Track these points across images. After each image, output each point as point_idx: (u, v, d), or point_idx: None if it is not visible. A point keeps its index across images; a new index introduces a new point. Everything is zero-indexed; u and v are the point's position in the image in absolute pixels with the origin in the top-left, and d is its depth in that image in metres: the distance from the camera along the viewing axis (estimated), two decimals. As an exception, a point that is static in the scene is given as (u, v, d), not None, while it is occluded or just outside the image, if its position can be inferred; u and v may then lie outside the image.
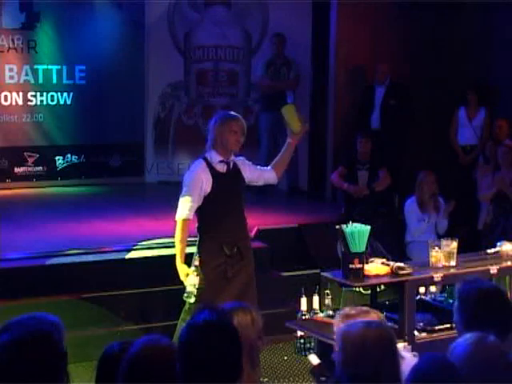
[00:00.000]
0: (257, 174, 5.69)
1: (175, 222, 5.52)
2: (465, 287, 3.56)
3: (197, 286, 5.29)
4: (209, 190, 5.44)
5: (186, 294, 5.30)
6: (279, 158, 5.81)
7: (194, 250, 5.56)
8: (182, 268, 5.39)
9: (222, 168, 5.51)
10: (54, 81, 10.37)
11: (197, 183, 5.44)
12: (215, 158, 5.49)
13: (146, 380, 2.76)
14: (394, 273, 5.11)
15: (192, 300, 5.28)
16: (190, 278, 5.31)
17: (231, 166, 5.56)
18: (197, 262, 5.40)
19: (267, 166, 10.23)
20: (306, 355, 6.25)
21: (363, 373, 2.82)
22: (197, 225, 5.57)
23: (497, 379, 2.90)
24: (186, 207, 5.45)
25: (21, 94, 10.20)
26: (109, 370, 2.91)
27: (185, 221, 5.46)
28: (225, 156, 5.50)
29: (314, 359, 4.26)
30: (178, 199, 5.56)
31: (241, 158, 5.68)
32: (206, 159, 5.51)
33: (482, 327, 3.14)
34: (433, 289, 5.74)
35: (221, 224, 5.46)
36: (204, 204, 5.48)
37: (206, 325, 2.77)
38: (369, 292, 5.75)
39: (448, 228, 7.84)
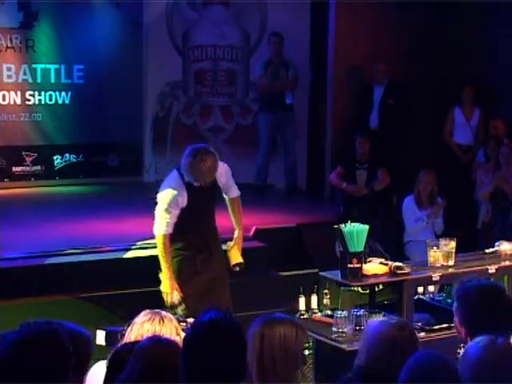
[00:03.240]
0: (226, 187, 5.86)
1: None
2: (463, 286, 3.54)
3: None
4: (185, 203, 5.59)
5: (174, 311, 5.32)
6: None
7: None
8: (169, 283, 5.47)
9: (196, 183, 5.62)
10: (52, 80, 10.35)
11: (174, 202, 5.57)
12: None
13: (152, 376, 2.77)
14: (392, 272, 5.11)
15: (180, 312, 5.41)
16: (175, 298, 5.44)
17: None
18: None
19: (266, 166, 10.32)
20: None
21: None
22: None
23: (509, 381, 2.88)
24: (163, 223, 5.59)
25: (19, 93, 10.18)
26: (118, 369, 2.92)
27: (165, 236, 5.54)
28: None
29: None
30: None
31: (221, 169, 5.74)
32: (180, 172, 5.61)
33: (482, 326, 3.12)
34: (431, 288, 5.74)
35: (192, 227, 5.63)
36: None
37: (212, 323, 2.78)
38: (367, 291, 5.75)
39: (446, 228, 7.84)
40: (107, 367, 3.04)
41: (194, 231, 5.65)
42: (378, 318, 5.00)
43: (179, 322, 3.58)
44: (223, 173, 5.80)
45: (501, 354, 2.93)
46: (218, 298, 5.55)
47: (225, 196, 5.94)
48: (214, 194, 5.81)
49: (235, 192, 5.96)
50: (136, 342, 3.02)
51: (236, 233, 5.92)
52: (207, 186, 5.64)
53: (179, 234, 5.63)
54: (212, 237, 5.79)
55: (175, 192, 5.56)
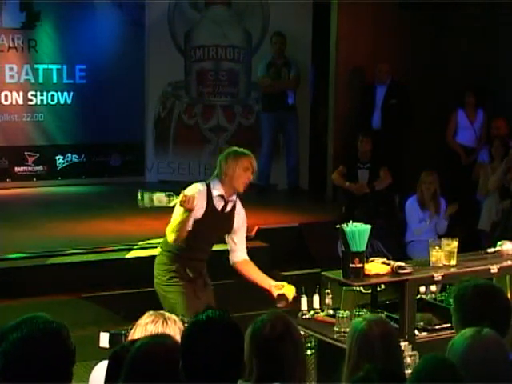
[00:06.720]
0: (233, 237, 5.42)
1: None
2: (460, 286, 3.56)
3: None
4: (199, 216, 5.23)
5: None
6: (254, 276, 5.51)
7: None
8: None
9: (218, 203, 5.29)
10: (55, 80, 10.37)
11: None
12: (217, 189, 5.27)
13: (148, 376, 2.77)
14: (394, 272, 5.09)
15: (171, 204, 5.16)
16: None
17: (229, 207, 5.34)
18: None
19: (268, 166, 10.28)
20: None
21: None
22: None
23: (496, 372, 2.91)
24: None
25: (21, 93, 10.20)
26: (118, 369, 2.92)
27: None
28: (227, 192, 5.28)
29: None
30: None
31: (242, 213, 5.44)
32: (208, 185, 5.30)
33: (479, 325, 3.13)
34: (433, 288, 5.73)
35: (192, 250, 5.32)
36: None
37: (209, 321, 2.78)
38: (369, 291, 5.74)
39: (448, 228, 7.82)
40: (107, 368, 3.04)
41: (192, 256, 5.31)
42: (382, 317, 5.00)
43: (183, 323, 3.55)
44: (241, 213, 5.42)
45: (487, 344, 2.98)
46: None
47: (231, 260, 5.46)
48: (225, 228, 5.37)
49: (243, 253, 5.45)
50: (136, 340, 3.01)
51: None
52: (225, 215, 5.31)
53: (180, 251, 5.31)
54: (205, 268, 5.43)
55: (198, 188, 5.21)
